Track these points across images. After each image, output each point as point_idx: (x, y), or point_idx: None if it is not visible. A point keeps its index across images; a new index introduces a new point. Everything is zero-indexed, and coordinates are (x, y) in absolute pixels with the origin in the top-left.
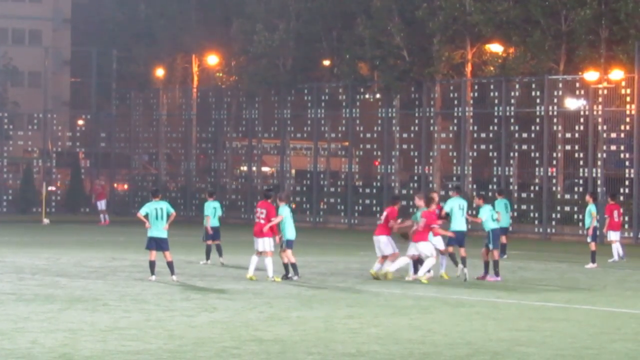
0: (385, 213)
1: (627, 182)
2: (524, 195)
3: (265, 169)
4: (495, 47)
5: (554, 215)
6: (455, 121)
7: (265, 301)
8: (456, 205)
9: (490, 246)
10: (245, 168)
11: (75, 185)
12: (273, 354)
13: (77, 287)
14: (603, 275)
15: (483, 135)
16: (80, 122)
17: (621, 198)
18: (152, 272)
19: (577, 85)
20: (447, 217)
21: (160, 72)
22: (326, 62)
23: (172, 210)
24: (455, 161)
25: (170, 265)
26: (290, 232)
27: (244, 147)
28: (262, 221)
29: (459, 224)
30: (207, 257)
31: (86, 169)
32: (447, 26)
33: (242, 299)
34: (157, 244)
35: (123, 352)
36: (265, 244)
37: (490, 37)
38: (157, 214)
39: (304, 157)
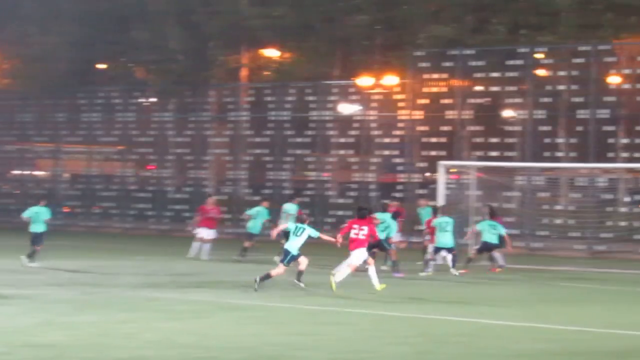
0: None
1: (399, 187)
2: (299, 199)
3: (38, 173)
4: (272, 52)
5: (329, 220)
6: (231, 126)
7: (39, 306)
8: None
9: None
10: (18, 172)
11: None
12: None
13: None
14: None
15: (258, 139)
16: None
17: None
18: None
19: (352, 90)
20: None
21: None
22: (102, 66)
23: None
24: (230, 165)
25: None
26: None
27: (17, 150)
28: (363, 237)
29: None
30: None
31: None
32: (224, 30)
33: (16, 304)
34: None
35: None
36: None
37: (267, 41)
38: None
39: (79, 161)
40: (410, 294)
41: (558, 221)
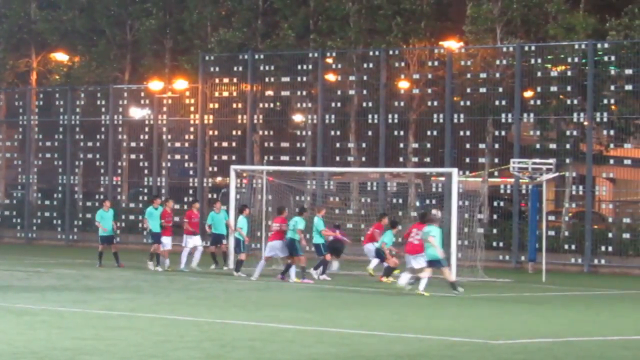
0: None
1: (191, 191)
2: (89, 204)
3: None
4: (61, 56)
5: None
6: (21, 130)
7: None
8: None
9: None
10: None
11: None
12: None
13: None
14: (167, 283)
15: (48, 143)
16: None
17: (185, 207)
18: None
19: (142, 94)
20: None
21: None
22: None
23: None
24: (20, 170)
25: None
26: None
27: None
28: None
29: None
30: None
31: None
32: (12, 34)
33: None
34: None
35: None
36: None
37: (56, 45)
38: None
39: None
40: (202, 298)
41: (349, 225)
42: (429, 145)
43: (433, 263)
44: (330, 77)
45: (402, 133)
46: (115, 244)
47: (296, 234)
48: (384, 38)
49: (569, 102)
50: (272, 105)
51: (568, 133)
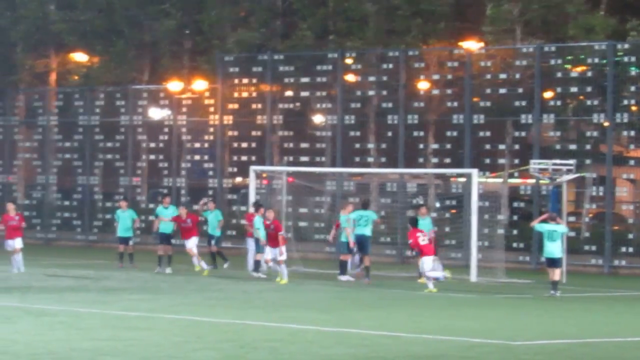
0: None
1: (210, 192)
2: (108, 204)
3: None
4: (80, 56)
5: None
6: (40, 130)
7: None
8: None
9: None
10: None
11: None
12: None
13: None
14: (185, 283)
15: (68, 144)
16: None
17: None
18: None
19: (162, 95)
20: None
21: None
22: None
23: None
24: (39, 170)
25: None
26: None
27: None
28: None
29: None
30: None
31: None
32: (30, 35)
33: None
34: None
35: None
36: None
37: (74, 46)
38: None
39: None
40: (221, 299)
41: None
42: (448, 146)
43: (555, 262)
44: (350, 77)
45: (421, 134)
46: (132, 245)
47: (368, 230)
48: (402, 39)
49: (588, 102)
50: (291, 106)
51: (588, 134)
